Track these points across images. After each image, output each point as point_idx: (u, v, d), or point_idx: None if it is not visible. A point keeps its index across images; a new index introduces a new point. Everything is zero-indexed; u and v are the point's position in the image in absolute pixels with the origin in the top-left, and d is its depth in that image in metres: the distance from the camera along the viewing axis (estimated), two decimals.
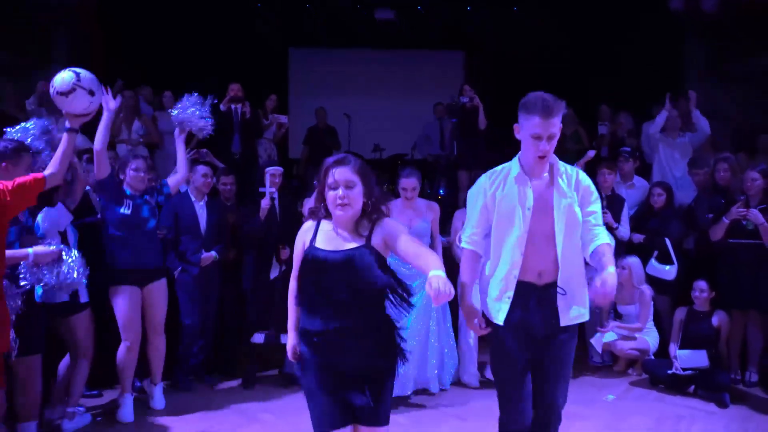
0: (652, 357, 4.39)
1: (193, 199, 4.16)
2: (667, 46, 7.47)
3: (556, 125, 2.11)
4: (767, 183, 4.13)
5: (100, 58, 7.09)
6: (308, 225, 2.16)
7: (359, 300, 1.99)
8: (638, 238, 4.70)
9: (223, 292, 4.31)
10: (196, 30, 7.90)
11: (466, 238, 2.29)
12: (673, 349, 4.20)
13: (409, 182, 3.75)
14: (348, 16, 8.79)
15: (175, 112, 3.81)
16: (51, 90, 2.75)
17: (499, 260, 2.22)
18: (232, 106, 5.48)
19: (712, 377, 3.93)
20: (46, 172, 2.69)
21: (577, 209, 2.19)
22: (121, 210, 3.48)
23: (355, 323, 1.99)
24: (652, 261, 4.55)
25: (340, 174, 2.02)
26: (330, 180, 2.04)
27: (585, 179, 2.26)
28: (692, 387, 4.02)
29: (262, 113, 6.26)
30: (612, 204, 4.55)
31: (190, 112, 3.77)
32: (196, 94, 3.84)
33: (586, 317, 2.26)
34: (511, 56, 8.55)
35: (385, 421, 2.04)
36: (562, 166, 2.25)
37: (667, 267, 4.50)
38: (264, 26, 8.63)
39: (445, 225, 4.46)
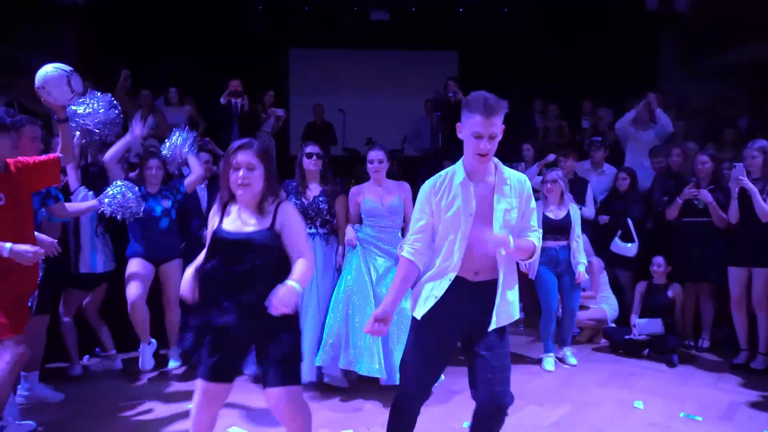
0: (613, 325, 4.78)
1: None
2: (643, 43, 7.85)
3: (497, 125, 2.09)
4: (716, 166, 4.51)
5: (107, 55, 7.58)
6: (214, 208, 2.34)
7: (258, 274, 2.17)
8: (603, 219, 5.10)
9: None
10: (201, 31, 8.29)
11: (408, 246, 2.25)
12: (633, 319, 4.60)
13: (376, 154, 3.75)
14: (344, 18, 9.19)
15: (165, 152, 4.06)
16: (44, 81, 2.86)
17: (437, 261, 2.22)
18: (232, 100, 5.93)
19: (664, 340, 4.32)
20: (59, 153, 2.95)
21: (515, 215, 2.20)
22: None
23: (251, 298, 2.16)
24: (616, 239, 4.95)
25: (242, 157, 2.21)
26: (233, 162, 2.22)
27: (527, 186, 2.26)
28: (647, 351, 4.42)
29: (261, 108, 6.70)
30: (575, 187, 4.95)
31: (179, 146, 4.05)
32: (177, 131, 4.11)
33: (516, 316, 2.28)
34: (501, 55, 8.95)
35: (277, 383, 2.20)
36: (508, 172, 2.23)
37: (629, 245, 4.90)
38: (265, 27, 9.04)
39: None
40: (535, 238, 2.26)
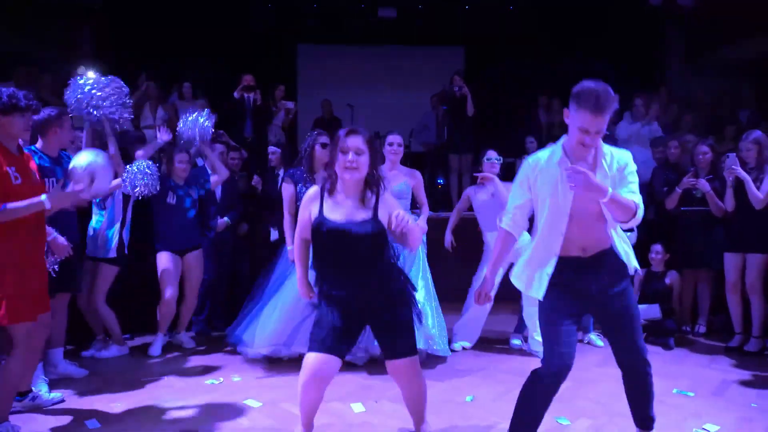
0: None
1: (209, 172, 4.80)
2: (648, 38, 7.98)
3: (605, 121, 2.14)
4: (714, 156, 4.66)
5: (122, 51, 7.81)
6: (313, 192, 2.40)
7: (370, 264, 2.35)
8: None
9: (236, 258, 4.97)
10: (213, 28, 8.52)
11: (506, 219, 2.40)
12: None
13: (395, 138, 3.96)
14: (353, 15, 9.37)
15: (181, 126, 4.35)
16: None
17: (540, 239, 2.32)
18: (245, 95, 6.12)
19: (661, 325, 4.48)
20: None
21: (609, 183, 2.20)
22: (168, 200, 4.15)
23: (369, 283, 2.35)
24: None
25: (352, 141, 2.30)
26: (342, 145, 2.30)
27: (623, 158, 2.28)
28: (644, 335, 4.55)
29: (272, 102, 6.89)
30: None
31: (191, 124, 4.31)
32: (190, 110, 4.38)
33: (633, 268, 2.40)
34: (506, 52, 9.10)
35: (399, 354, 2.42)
36: (606, 149, 2.27)
37: (629, 233, 5.02)
38: (274, 25, 9.23)
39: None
40: (637, 198, 2.22)
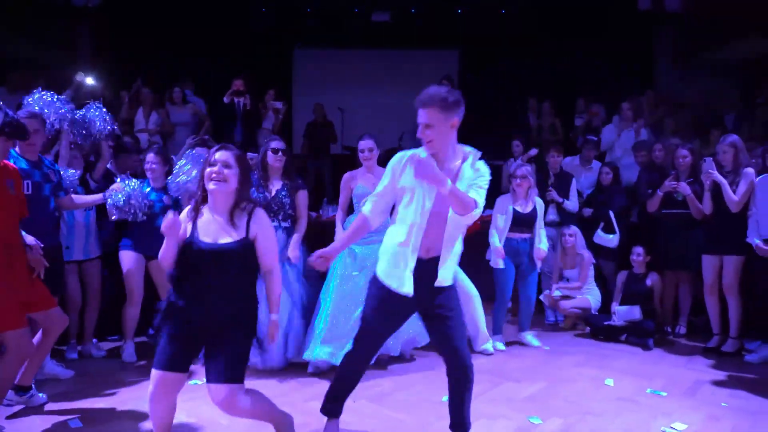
0: (596, 313, 5.00)
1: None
2: (637, 41, 8.04)
3: (425, 115, 2.36)
4: (694, 160, 4.72)
5: (117, 54, 7.90)
6: (186, 211, 2.39)
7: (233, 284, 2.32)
8: (587, 211, 5.33)
9: None
10: (208, 31, 8.61)
11: (368, 206, 2.57)
12: (614, 306, 4.82)
13: (366, 143, 3.96)
14: (346, 19, 9.46)
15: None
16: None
17: (401, 236, 2.44)
18: (235, 99, 6.21)
19: (641, 326, 4.54)
20: None
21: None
22: None
23: (220, 301, 2.31)
24: (599, 231, 5.17)
25: (220, 155, 2.32)
26: (210, 159, 2.33)
27: (486, 171, 2.47)
28: (625, 336, 4.64)
29: (263, 106, 6.97)
30: (560, 181, 5.18)
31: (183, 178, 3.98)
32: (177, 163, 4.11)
33: (451, 281, 2.53)
34: (499, 55, 9.17)
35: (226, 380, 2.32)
36: (472, 157, 2.45)
37: (611, 236, 5.12)
38: (269, 28, 9.32)
39: None
40: (478, 196, 2.37)
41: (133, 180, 3.89)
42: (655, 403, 3.33)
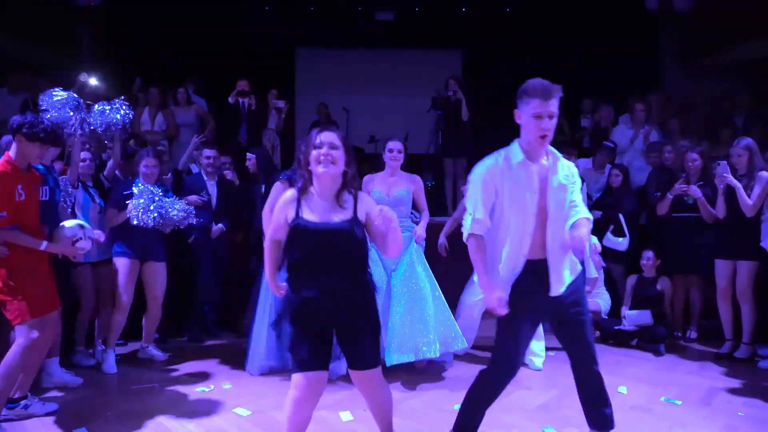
0: (606, 317, 4.95)
1: (205, 178, 4.83)
2: (644, 42, 7.97)
3: (554, 105, 2.27)
4: (705, 163, 4.66)
5: (119, 55, 7.84)
6: (290, 195, 2.32)
7: (346, 266, 2.29)
8: (596, 214, 5.23)
9: (232, 263, 5.00)
10: (211, 32, 8.55)
11: (475, 225, 2.36)
12: (624, 310, 4.77)
13: (395, 144, 3.93)
14: (350, 18, 9.39)
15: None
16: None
17: (507, 242, 2.36)
18: (240, 99, 6.15)
19: (652, 331, 4.49)
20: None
21: (567, 195, 2.37)
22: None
23: (342, 285, 2.28)
24: (608, 234, 5.10)
25: (325, 136, 2.27)
26: (316, 141, 2.25)
27: (576, 172, 2.48)
28: (635, 341, 4.59)
29: (266, 107, 6.90)
30: None
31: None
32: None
33: (577, 271, 2.47)
34: (503, 54, 9.11)
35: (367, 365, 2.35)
36: (559, 155, 2.43)
37: (621, 239, 5.05)
38: (271, 27, 9.26)
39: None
40: (582, 212, 2.38)
41: (157, 190, 3.84)
42: (670, 413, 3.28)
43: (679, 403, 3.41)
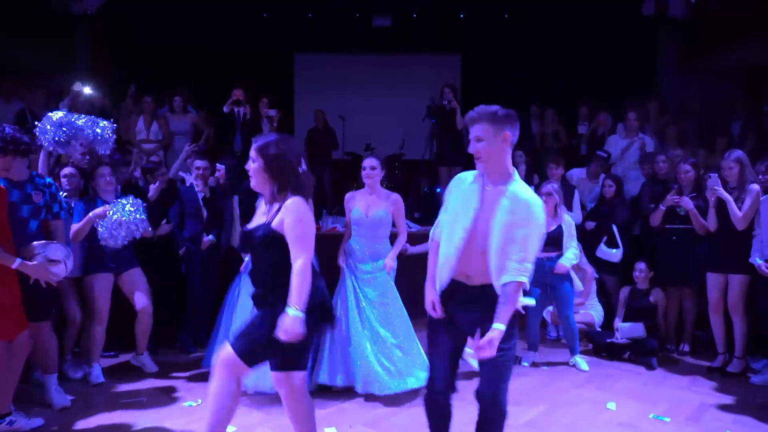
0: (599, 329, 4.93)
1: (197, 189, 4.83)
2: (642, 47, 7.94)
3: (479, 130, 2.25)
4: (698, 174, 4.64)
5: (115, 62, 7.86)
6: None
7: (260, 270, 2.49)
8: (590, 225, 5.24)
9: (221, 272, 4.99)
10: (209, 38, 8.57)
11: (436, 229, 2.47)
12: (617, 322, 4.74)
13: (369, 161, 3.88)
14: (348, 24, 9.39)
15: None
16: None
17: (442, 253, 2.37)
18: (235, 108, 6.15)
19: (645, 344, 4.46)
20: None
21: (515, 231, 2.20)
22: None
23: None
24: (602, 245, 5.08)
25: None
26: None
27: (535, 212, 2.23)
28: (628, 353, 4.56)
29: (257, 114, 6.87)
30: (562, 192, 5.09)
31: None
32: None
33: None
34: (502, 60, 9.10)
35: None
36: (523, 189, 2.28)
37: (614, 250, 5.03)
38: (269, 34, 9.27)
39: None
40: (518, 275, 2.18)
41: (127, 202, 3.76)
42: (659, 430, 3.26)
43: (668, 420, 3.39)
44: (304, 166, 2.44)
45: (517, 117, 2.33)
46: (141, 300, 4.08)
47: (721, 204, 4.14)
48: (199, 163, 4.79)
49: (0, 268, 2.84)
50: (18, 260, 2.85)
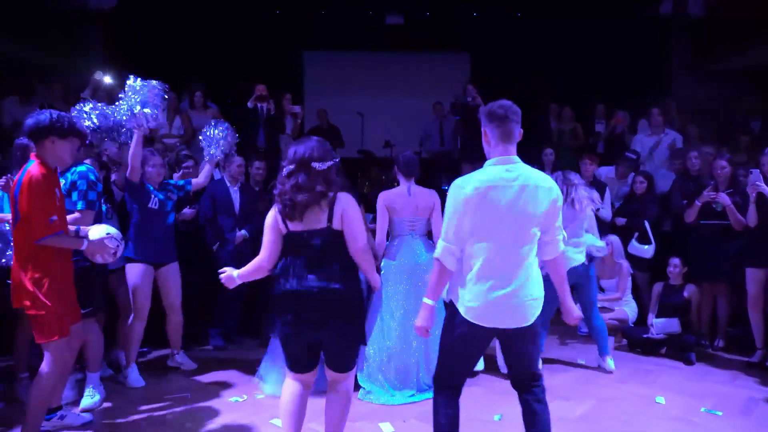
0: (632, 325, 4.92)
1: (228, 184, 4.78)
2: (656, 46, 7.97)
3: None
4: (733, 170, 4.65)
5: (130, 60, 7.77)
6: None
7: None
8: (621, 221, 5.24)
9: None
10: (219, 35, 8.50)
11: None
12: (650, 318, 4.74)
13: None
14: (360, 22, 9.35)
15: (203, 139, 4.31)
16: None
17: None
18: (258, 105, 6.09)
19: (681, 339, 4.46)
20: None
21: None
22: (150, 205, 3.83)
23: None
24: (633, 241, 5.08)
25: None
26: None
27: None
28: (664, 349, 4.56)
29: (280, 112, 6.82)
30: (594, 189, 5.08)
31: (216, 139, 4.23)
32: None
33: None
34: (514, 58, 9.09)
35: None
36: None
37: (646, 246, 5.03)
38: (280, 31, 9.22)
39: None
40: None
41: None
42: (713, 424, 3.25)
43: (720, 414, 3.38)
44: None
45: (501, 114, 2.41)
46: (173, 297, 3.98)
47: (761, 199, 4.14)
48: (239, 159, 4.78)
49: (61, 264, 2.77)
50: (86, 241, 2.79)
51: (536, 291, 2.31)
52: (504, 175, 2.32)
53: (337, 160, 2.51)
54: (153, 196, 3.88)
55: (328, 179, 2.43)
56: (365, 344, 2.54)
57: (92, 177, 3.27)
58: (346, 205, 2.46)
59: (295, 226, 2.44)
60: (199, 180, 4.27)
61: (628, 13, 8.05)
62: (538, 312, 2.31)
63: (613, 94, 7.53)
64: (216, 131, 4.27)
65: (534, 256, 2.33)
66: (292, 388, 2.54)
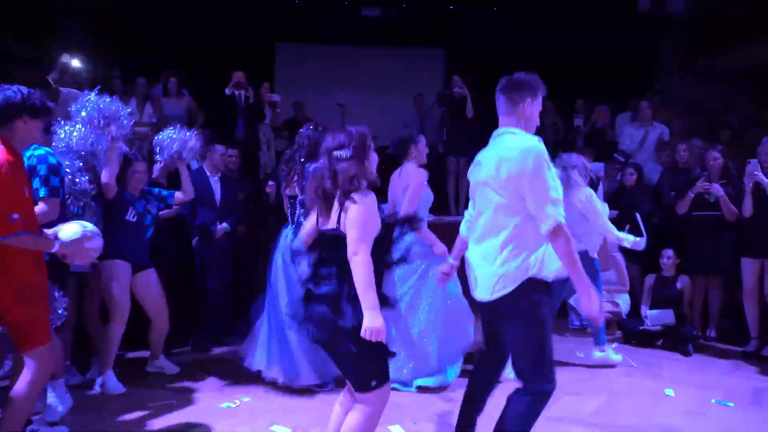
0: (625, 317, 4.88)
1: (208, 174, 4.46)
2: (641, 44, 8.02)
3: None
4: (725, 161, 4.66)
5: (109, 48, 7.35)
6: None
7: None
8: (612, 213, 5.18)
9: (237, 262, 4.63)
10: (195, 24, 8.15)
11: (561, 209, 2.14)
12: (644, 310, 4.70)
13: None
14: (335, 13, 9.11)
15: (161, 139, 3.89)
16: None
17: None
18: (236, 92, 5.76)
19: (678, 331, 4.43)
20: None
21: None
22: (127, 217, 3.57)
23: None
24: (623, 233, 5.02)
25: None
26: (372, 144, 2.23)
27: None
28: (660, 341, 4.52)
29: (258, 100, 6.51)
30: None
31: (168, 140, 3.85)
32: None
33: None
34: (491, 53, 9.02)
35: None
36: None
37: (638, 239, 4.99)
38: (252, 21, 8.88)
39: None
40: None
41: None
42: (727, 416, 3.20)
43: (732, 405, 3.33)
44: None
45: None
46: (156, 306, 3.67)
47: (756, 189, 4.15)
48: (221, 148, 4.49)
49: (34, 268, 2.42)
50: (57, 242, 2.43)
51: None
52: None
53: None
54: (131, 208, 3.57)
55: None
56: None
57: (53, 161, 2.84)
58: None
59: None
60: (181, 196, 3.89)
61: (607, 10, 8.07)
62: None
63: (594, 89, 7.54)
64: (169, 136, 3.88)
65: None
66: None
